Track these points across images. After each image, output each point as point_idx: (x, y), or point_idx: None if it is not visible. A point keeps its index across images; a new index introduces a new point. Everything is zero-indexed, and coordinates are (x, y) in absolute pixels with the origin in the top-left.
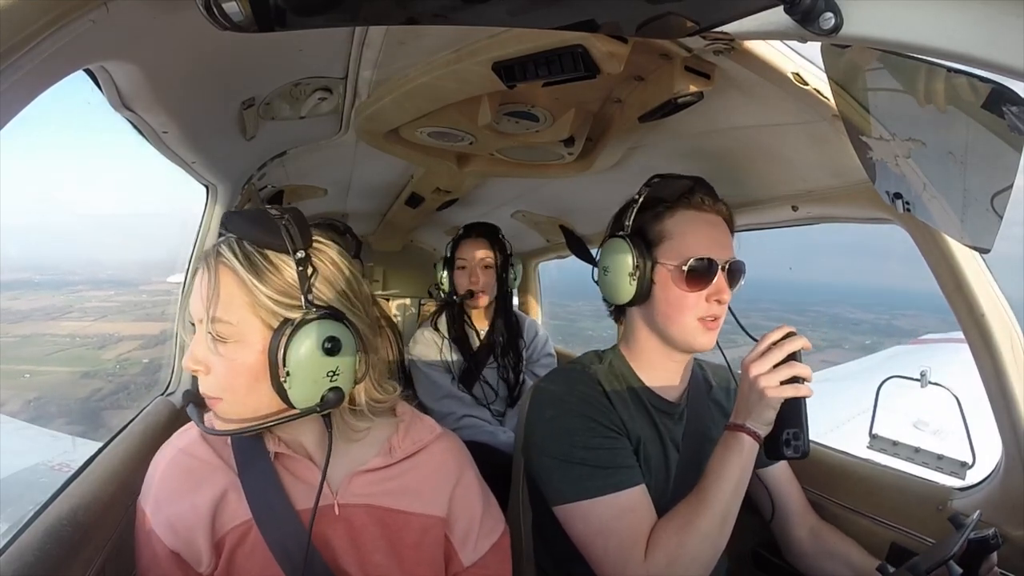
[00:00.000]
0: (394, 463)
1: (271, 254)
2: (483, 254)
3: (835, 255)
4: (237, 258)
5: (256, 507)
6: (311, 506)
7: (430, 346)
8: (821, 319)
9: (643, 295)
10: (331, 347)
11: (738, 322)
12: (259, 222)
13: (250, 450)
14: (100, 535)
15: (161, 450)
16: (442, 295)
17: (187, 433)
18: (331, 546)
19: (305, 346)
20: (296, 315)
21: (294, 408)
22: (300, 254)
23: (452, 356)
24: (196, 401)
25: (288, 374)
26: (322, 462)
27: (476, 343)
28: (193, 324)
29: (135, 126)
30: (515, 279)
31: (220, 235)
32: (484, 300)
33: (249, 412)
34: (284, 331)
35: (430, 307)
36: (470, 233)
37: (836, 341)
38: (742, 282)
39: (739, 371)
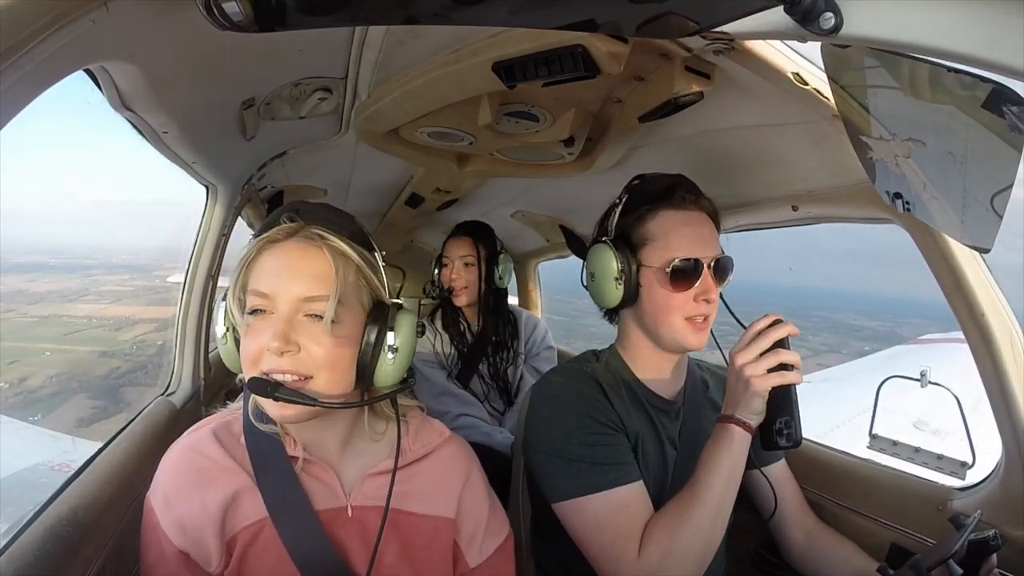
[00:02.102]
0: (404, 466)
1: (363, 248)
2: (463, 251)
3: (842, 261)
4: (347, 245)
5: (272, 506)
6: (328, 507)
7: (423, 342)
8: (823, 324)
9: (631, 298)
10: (421, 331)
11: (730, 311)
12: (347, 218)
13: (266, 450)
14: (100, 535)
15: (171, 448)
16: (434, 291)
17: (197, 432)
18: (344, 547)
19: (408, 327)
20: (386, 300)
21: (374, 387)
22: (383, 252)
23: (446, 351)
24: (259, 387)
25: (396, 350)
26: (339, 465)
27: (470, 339)
28: (258, 309)
29: (135, 126)
30: (501, 277)
31: (286, 219)
32: (464, 299)
33: (339, 390)
34: (385, 313)
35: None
36: (457, 232)
37: (835, 346)
38: (730, 278)
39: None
